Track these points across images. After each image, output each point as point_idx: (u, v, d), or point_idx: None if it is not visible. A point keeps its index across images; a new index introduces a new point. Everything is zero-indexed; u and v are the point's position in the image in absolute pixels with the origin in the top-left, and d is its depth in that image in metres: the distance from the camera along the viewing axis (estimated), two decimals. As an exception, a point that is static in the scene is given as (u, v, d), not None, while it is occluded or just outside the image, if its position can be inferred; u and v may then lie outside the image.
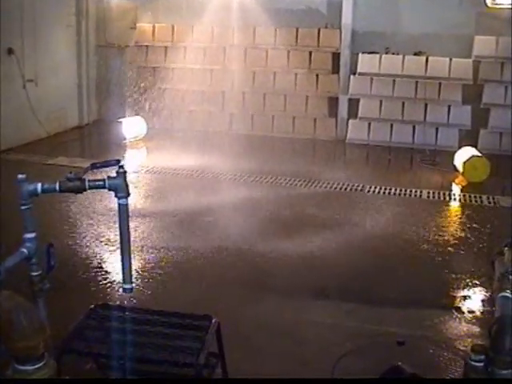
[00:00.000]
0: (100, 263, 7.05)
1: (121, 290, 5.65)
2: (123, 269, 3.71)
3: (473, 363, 3.33)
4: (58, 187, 3.52)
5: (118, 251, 3.73)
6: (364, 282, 6.87)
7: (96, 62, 14.48)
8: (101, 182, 3.56)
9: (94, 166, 3.64)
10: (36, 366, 3.02)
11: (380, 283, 6.84)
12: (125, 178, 3.56)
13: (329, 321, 5.96)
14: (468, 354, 3.38)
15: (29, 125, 12.23)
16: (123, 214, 3.57)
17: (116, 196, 3.58)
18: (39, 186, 3.52)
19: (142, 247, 7.49)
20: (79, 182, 3.53)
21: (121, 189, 3.54)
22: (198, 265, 7.15)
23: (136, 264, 6.95)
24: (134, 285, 6.15)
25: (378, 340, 5.58)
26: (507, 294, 3.51)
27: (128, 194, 3.58)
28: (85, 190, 3.55)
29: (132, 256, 6.84)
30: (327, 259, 7.37)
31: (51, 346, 3.15)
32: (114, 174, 3.57)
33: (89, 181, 3.57)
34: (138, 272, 6.77)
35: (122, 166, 3.56)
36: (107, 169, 3.80)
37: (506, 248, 4.00)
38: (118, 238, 3.71)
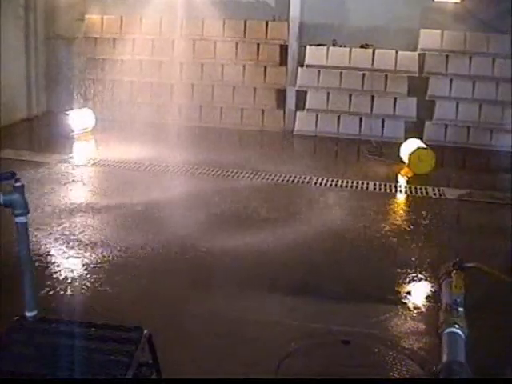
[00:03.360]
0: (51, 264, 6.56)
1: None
2: (25, 295, 3.13)
3: None
4: None
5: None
6: (310, 277, 6.55)
7: (45, 53, 13.93)
8: (-6, 198, 2.97)
9: (-15, 180, 2.98)
10: None
11: (326, 278, 6.54)
12: (23, 192, 2.97)
13: (273, 318, 5.60)
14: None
15: (-25, 117, 11.61)
16: (22, 234, 2.99)
17: (13, 214, 2.98)
18: None
19: (85, 243, 7.06)
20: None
21: (18, 205, 2.94)
22: (141, 261, 6.76)
23: (79, 261, 6.60)
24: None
25: (323, 340, 5.26)
26: (455, 330, 2.97)
27: (27, 212, 3.00)
28: (-25, 205, 2.93)
29: (82, 251, 6.53)
30: (273, 254, 7.03)
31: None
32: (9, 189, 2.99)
33: (-20, 196, 2.97)
34: (81, 269, 6.40)
35: (18, 179, 2.98)
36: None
37: (454, 272, 3.38)
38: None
